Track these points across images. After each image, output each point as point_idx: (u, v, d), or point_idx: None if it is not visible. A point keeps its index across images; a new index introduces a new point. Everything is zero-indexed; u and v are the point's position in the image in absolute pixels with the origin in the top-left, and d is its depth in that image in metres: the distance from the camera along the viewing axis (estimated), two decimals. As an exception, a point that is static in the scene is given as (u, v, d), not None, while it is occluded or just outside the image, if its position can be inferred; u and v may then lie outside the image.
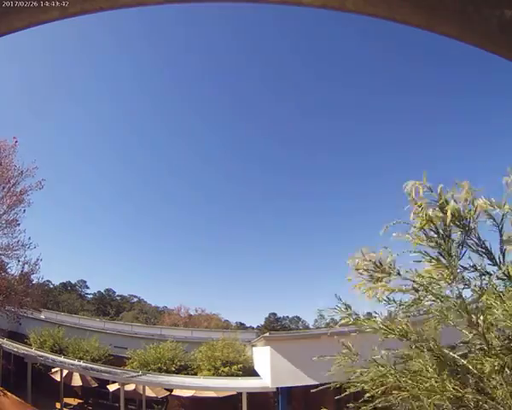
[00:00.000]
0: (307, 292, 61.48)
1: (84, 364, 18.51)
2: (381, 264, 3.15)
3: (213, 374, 18.19)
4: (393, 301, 3.18)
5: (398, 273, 3.09)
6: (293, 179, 57.95)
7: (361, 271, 3.23)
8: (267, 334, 15.67)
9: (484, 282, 2.79)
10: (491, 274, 2.75)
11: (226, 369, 18.19)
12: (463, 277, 2.82)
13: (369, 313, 3.57)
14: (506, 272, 2.64)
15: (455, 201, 2.83)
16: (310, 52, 46.29)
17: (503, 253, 2.69)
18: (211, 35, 46.33)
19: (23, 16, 1.15)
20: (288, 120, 51.75)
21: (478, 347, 2.82)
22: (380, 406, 3.26)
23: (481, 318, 2.70)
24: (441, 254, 2.86)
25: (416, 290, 3.01)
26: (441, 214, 2.85)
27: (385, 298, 3.18)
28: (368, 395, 3.31)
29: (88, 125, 54.34)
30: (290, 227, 61.90)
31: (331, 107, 49.94)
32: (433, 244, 2.90)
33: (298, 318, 56.77)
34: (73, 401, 18.32)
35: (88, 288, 55.41)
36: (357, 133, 51.32)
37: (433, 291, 2.91)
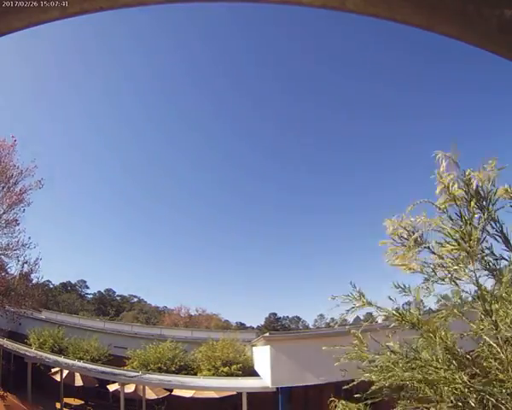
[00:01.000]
0: (308, 292, 61.48)
1: (84, 364, 18.51)
2: (414, 233, 3.13)
3: (213, 374, 18.18)
4: (422, 270, 3.13)
5: (428, 247, 3.07)
6: (292, 178, 57.96)
7: (395, 237, 3.21)
8: (267, 334, 15.67)
9: (499, 268, 2.77)
10: (507, 260, 2.73)
11: (226, 369, 18.19)
12: (484, 260, 2.80)
13: (379, 307, 3.54)
14: None
15: (480, 180, 2.81)
16: (321, 50, 46.21)
17: None
18: (212, 35, 46.31)
19: (23, 16, 1.15)
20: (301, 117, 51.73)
21: (491, 337, 2.80)
22: (386, 399, 3.25)
23: (496, 306, 2.69)
24: (462, 239, 2.85)
25: (434, 272, 2.99)
26: (465, 194, 2.83)
27: (415, 268, 3.15)
28: (374, 386, 3.28)
29: (87, 125, 54.35)
30: (290, 227, 61.90)
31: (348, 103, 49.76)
32: (455, 226, 2.89)
33: (298, 318, 56.80)
34: (73, 401, 18.31)
35: (88, 288, 55.44)
36: (363, 129, 51.27)
37: (453, 274, 2.90)
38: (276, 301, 70.15)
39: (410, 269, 3.18)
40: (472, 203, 2.78)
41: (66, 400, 17.53)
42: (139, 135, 57.24)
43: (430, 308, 3.63)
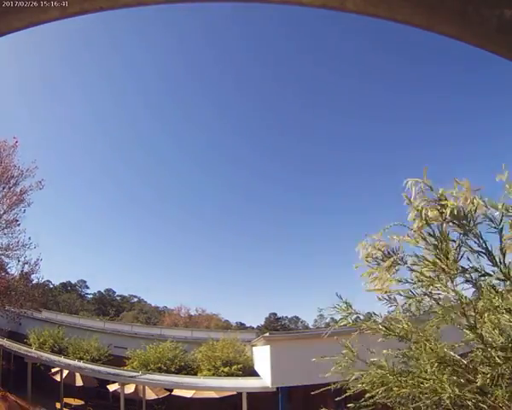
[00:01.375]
0: (307, 292, 61.46)
1: (84, 364, 18.52)
2: (390, 252, 3.13)
3: (213, 374, 18.19)
4: (400, 294, 3.15)
5: (405, 264, 3.08)
6: (293, 178, 57.97)
7: (369, 259, 3.22)
8: (267, 334, 15.68)
9: (483, 283, 2.78)
10: (491, 275, 2.74)
11: (226, 369, 18.20)
12: (465, 275, 2.81)
13: (368, 313, 3.57)
14: (506, 273, 2.64)
15: (455, 199, 2.83)
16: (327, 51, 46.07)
17: (503, 253, 2.68)
18: (215, 35, 46.30)
19: (23, 16, 1.16)
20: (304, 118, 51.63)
21: (479, 347, 2.81)
22: (380, 406, 3.26)
23: (480, 320, 2.70)
24: (438, 258, 2.87)
25: (411, 294, 3.01)
26: (439, 215, 2.85)
27: (393, 287, 3.16)
28: (368, 394, 3.30)
29: (87, 124, 54.36)
30: (290, 227, 61.91)
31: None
32: (430, 247, 2.91)
33: (298, 318, 56.78)
34: (73, 401, 18.31)
35: (88, 288, 55.46)
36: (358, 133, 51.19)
37: (433, 294, 2.92)
38: (276, 301, 70.21)
39: (386, 292, 3.19)
40: (444, 226, 2.80)
41: (67, 400, 17.53)
42: (142, 134, 57.26)
43: (425, 311, 3.63)
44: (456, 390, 2.72)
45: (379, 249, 3.17)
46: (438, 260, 2.83)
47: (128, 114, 55.85)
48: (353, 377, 3.44)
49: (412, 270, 3.02)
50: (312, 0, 1.08)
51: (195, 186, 60.64)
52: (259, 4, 1.19)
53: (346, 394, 3.56)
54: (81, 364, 18.43)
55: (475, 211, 2.75)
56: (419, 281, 2.95)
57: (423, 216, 2.85)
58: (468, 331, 2.80)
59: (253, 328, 44.92)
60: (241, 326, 46.05)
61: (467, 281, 2.81)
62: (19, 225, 16.48)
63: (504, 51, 1.01)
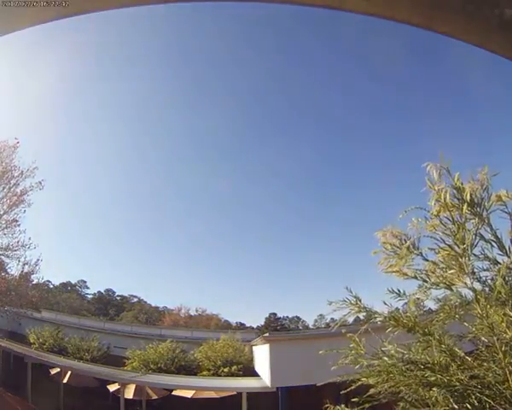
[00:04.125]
0: (307, 292, 61.47)
1: (84, 364, 18.52)
2: (404, 243, 3.17)
3: (213, 374, 18.19)
4: (417, 276, 3.17)
5: (421, 254, 3.11)
6: (294, 178, 57.93)
7: (388, 246, 3.25)
8: (267, 334, 15.69)
9: (494, 273, 2.80)
10: (501, 264, 2.76)
11: (226, 369, 18.20)
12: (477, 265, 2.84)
13: (376, 312, 3.56)
14: None
15: (472, 185, 2.85)
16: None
17: None
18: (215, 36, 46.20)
19: (23, 16, 1.16)
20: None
21: (489, 338, 2.82)
22: (385, 401, 3.25)
23: (491, 310, 2.71)
24: (455, 243, 2.88)
25: (427, 278, 3.03)
26: (457, 201, 2.87)
27: (409, 274, 3.19)
28: (373, 390, 3.29)
29: (87, 124, 54.34)
30: (290, 227, 61.93)
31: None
32: (448, 232, 2.93)
33: (298, 318, 56.74)
34: (73, 402, 18.31)
35: (88, 288, 55.39)
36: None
37: (446, 282, 2.93)
38: (276, 301, 70.21)
39: (403, 275, 3.23)
40: (464, 209, 2.82)
41: (66, 400, 17.53)
42: (139, 132, 57.25)
43: (430, 308, 3.65)
44: (464, 381, 2.72)
45: (396, 237, 3.21)
46: (455, 246, 2.85)
47: (129, 113, 55.86)
48: (362, 367, 3.41)
49: (426, 259, 3.06)
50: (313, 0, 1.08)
51: (195, 186, 60.64)
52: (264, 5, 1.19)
53: (349, 388, 3.54)
54: (81, 364, 18.43)
55: (490, 199, 2.78)
56: (434, 265, 2.97)
57: (443, 200, 2.87)
58: (479, 321, 2.81)
59: (253, 328, 44.90)
60: (241, 326, 46.01)
61: (475, 275, 2.82)
62: (19, 225, 16.52)
63: (504, 51, 1.01)
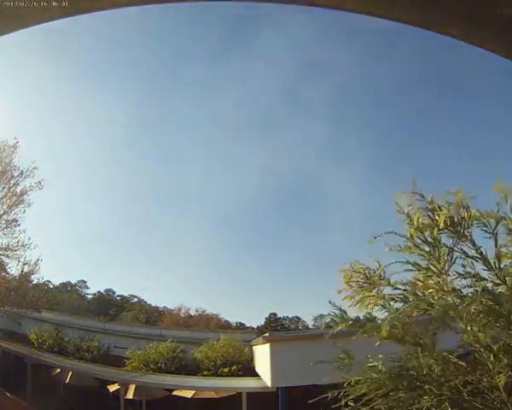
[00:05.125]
0: (307, 292, 61.50)
1: (84, 364, 18.52)
2: (369, 276, 3.22)
3: (213, 374, 18.19)
4: (388, 305, 3.20)
5: (389, 283, 3.15)
6: (294, 177, 57.82)
7: (351, 283, 3.30)
8: (267, 334, 15.68)
9: (478, 289, 2.81)
10: (486, 279, 2.77)
11: (226, 369, 18.21)
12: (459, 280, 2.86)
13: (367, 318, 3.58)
14: (502, 278, 2.67)
15: (448, 206, 2.88)
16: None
17: (498, 258, 2.71)
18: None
19: (23, 16, 1.16)
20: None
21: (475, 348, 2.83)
22: (378, 408, 3.26)
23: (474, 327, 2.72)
24: (431, 264, 2.91)
25: (405, 300, 3.06)
26: (432, 222, 2.90)
27: (379, 305, 3.23)
28: (367, 397, 3.30)
29: (87, 124, 54.34)
30: (290, 227, 61.94)
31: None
32: (422, 253, 2.96)
33: (298, 318, 56.74)
34: (73, 402, 18.31)
35: (88, 288, 55.42)
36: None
37: (425, 300, 2.95)
38: (276, 301, 70.19)
39: (376, 305, 3.25)
40: (435, 231, 2.85)
41: (66, 400, 17.53)
42: (138, 132, 57.24)
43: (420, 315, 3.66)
44: (455, 391, 2.74)
45: (359, 272, 3.25)
46: (431, 266, 2.88)
47: (128, 113, 55.87)
48: (351, 382, 3.44)
49: (396, 288, 3.09)
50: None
51: (194, 186, 60.64)
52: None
53: (345, 395, 3.55)
54: (81, 364, 18.43)
55: (469, 218, 2.79)
56: (409, 285, 3.00)
57: (416, 223, 2.91)
58: (465, 332, 2.81)
59: (253, 328, 44.88)
60: (241, 326, 46.02)
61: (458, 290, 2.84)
62: (19, 225, 16.52)
63: (504, 50, 1.01)
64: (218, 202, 60.05)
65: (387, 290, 3.22)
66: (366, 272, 3.25)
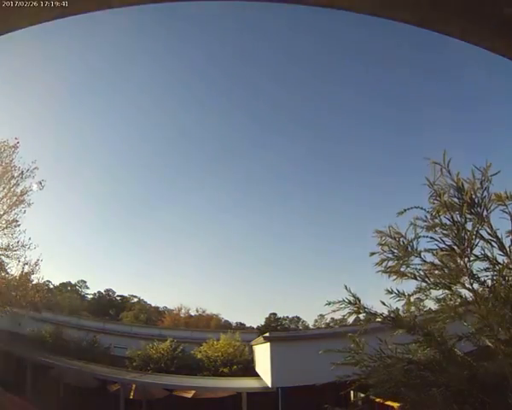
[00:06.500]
0: (307, 292, 61.45)
1: (84, 364, 18.50)
2: (402, 244, 3.14)
3: (213, 374, 18.19)
4: (415, 277, 3.14)
5: (419, 255, 3.09)
6: (295, 177, 57.78)
7: (385, 247, 3.23)
8: (267, 334, 15.67)
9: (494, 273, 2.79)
10: (501, 264, 2.74)
11: (226, 369, 18.20)
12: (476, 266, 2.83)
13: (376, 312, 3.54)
14: None
15: (472, 184, 2.83)
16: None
17: None
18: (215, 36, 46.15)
19: (23, 16, 1.16)
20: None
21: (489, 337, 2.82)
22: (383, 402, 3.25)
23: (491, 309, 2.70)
24: (455, 243, 2.87)
25: (426, 279, 3.02)
26: (457, 200, 2.86)
27: (408, 275, 3.16)
28: (372, 390, 3.29)
29: (87, 124, 54.30)
30: (290, 227, 61.88)
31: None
32: (447, 232, 2.91)
33: (298, 318, 56.71)
34: (73, 402, 18.30)
35: (88, 288, 55.38)
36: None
37: (445, 282, 2.92)
38: (276, 301, 70.17)
39: (402, 276, 3.20)
40: (464, 209, 2.80)
41: (66, 400, 17.52)
42: (138, 133, 57.19)
43: (430, 308, 3.64)
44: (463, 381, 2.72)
45: (394, 237, 3.19)
46: (454, 246, 2.84)
47: (129, 114, 55.85)
48: (363, 366, 3.38)
49: (424, 261, 3.04)
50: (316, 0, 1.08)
51: (194, 186, 60.62)
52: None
53: (348, 389, 3.53)
54: (81, 364, 18.42)
55: (489, 199, 2.76)
56: (433, 266, 2.96)
57: (442, 200, 2.86)
58: (478, 321, 2.80)
59: (253, 328, 44.85)
60: (241, 326, 46.00)
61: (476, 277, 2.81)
62: (19, 225, 16.51)
63: (504, 50, 1.01)
64: (218, 202, 59.99)
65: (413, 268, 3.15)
66: (401, 240, 3.18)
